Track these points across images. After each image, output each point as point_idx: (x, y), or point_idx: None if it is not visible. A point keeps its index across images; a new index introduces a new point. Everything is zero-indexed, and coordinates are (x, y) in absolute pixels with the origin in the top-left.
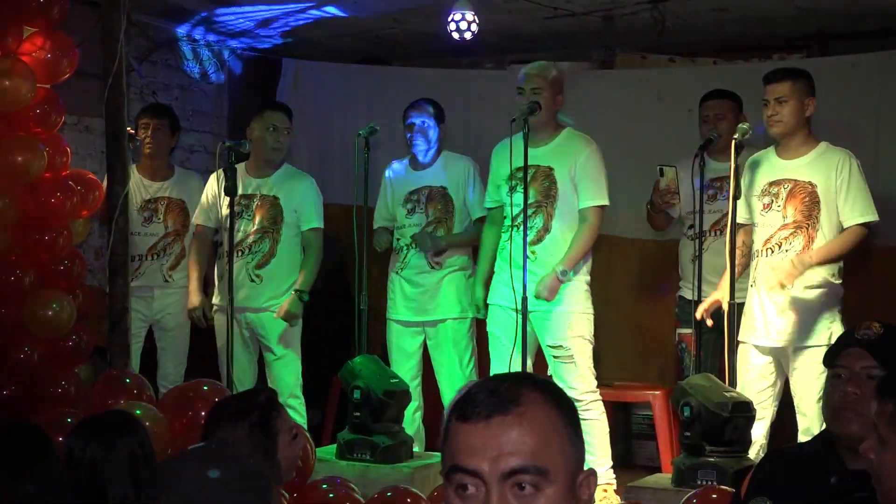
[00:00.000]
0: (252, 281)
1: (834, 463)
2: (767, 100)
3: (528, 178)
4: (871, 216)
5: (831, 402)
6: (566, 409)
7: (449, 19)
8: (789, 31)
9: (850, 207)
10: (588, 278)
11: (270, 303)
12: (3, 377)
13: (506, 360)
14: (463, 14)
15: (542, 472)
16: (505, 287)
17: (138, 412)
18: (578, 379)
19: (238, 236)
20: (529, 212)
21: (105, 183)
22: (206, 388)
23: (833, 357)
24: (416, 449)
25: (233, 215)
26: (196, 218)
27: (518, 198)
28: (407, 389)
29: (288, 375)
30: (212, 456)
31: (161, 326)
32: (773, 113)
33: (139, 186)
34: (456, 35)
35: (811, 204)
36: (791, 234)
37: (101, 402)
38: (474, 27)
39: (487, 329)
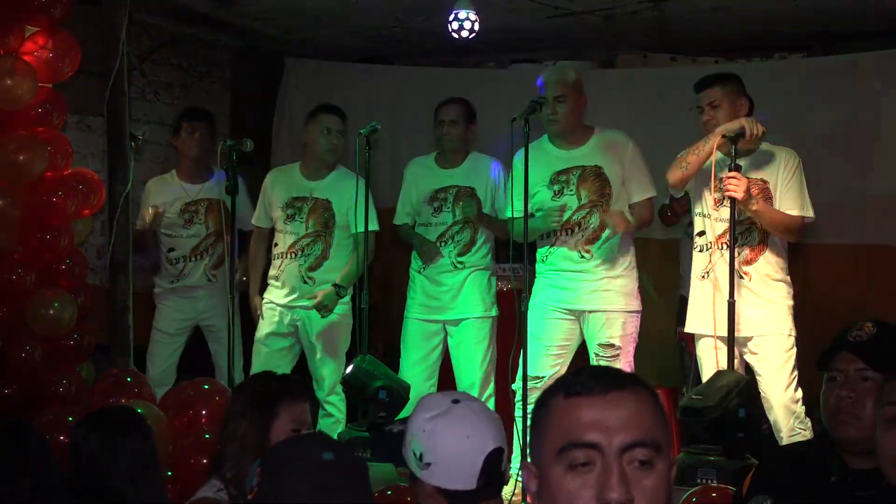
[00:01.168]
0: (305, 283)
1: (834, 462)
2: (702, 106)
3: (576, 179)
4: (808, 213)
5: (827, 406)
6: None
7: (450, 18)
8: (790, 31)
9: (788, 202)
10: (637, 279)
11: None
12: (5, 376)
13: (546, 361)
14: (465, 13)
15: (657, 446)
16: (556, 289)
17: (139, 410)
18: None
19: (291, 239)
20: (584, 212)
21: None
22: (206, 386)
23: (827, 360)
24: None
25: (233, 212)
26: (253, 220)
27: (569, 200)
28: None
29: (329, 374)
30: (324, 441)
31: (209, 327)
32: (708, 118)
33: (179, 191)
34: (457, 34)
35: (766, 199)
36: (747, 229)
37: (103, 401)
38: (476, 26)
39: (530, 330)
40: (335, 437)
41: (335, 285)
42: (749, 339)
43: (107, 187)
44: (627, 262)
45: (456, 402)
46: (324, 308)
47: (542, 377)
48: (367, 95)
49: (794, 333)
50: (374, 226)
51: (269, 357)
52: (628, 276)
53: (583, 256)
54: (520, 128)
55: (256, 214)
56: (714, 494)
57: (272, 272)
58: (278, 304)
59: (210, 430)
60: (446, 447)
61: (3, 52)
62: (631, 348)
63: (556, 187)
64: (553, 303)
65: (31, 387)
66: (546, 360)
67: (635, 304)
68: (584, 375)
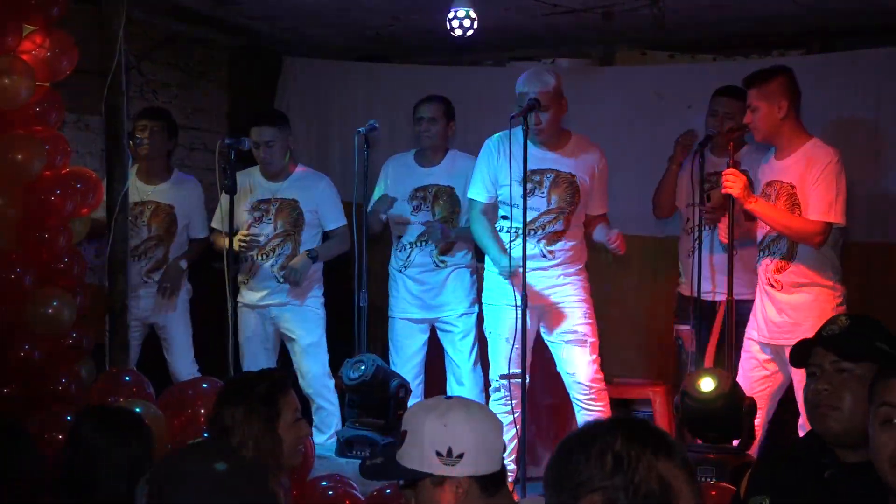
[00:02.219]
0: (278, 282)
1: (827, 457)
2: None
3: (549, 183)
4: (831, 217)
5: (807, 402)
6: None
7: (448, 16)
8: (789, 28)
9: (810, 205)
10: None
11: (293, 297)
12: (4, 376)
13: (514, 359)
14: (463, 11)
15: None
16: (507, 286)
17: (138, 409)
18: (590, 366)
19: (261, 240)
20: (551, 217)
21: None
22: (205, 385)
23: (804, 357)
24: None
25: (231, 213)
26: (213, 222)
27: (538, 202)
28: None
29: (315, 366)
30: (216, 449)
31: (160, 328)
32: (748, 121)
33: (133, 190)
34: (455, 32)
35: (792, 205)
36: (777, 237)
37: (102, 400)
38: (474, 24)
39: (485, 329)
40: (333, 432)
41: (308, 251)
42: (782, 347)
43: (105, 186)
44: (580, 263)
45: (449, 398)
46: (293, 273)
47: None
48: (365, 94)
49: None
50: (339, 221)
51: (255, 360)
52: (581, 274)
53: (545, 256)
54: (518, 125)
55: (217, 218)
56: (713, 492)
57: (241, 277)
58: (252, 306)
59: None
60: (474, 432)
61: (1, 52)
62: (595, 338)
63: (528, 185)
64: (506, 299)
65: (30, 386)
66: (516, 358)
67: (589, 296)
68: None
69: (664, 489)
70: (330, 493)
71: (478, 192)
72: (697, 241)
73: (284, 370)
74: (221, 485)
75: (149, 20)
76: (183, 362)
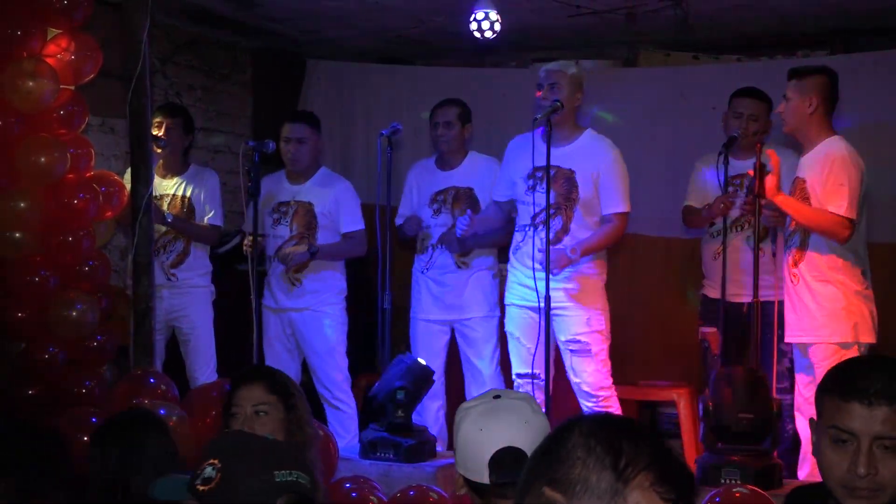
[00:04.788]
0: (294, 284)
1: None
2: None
3: (550, 179)
4: (840, 210)
5: (834, 474)
6: None
7: (471, 18)
8: (813, 29)
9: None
10: (604, 279)
11: (311, 302)
12: (28, 378)
13: (527, 359)
14: (486, 13)
15: None
16: (522, 286)
17: (162, 411)
18: (594, 375)
19: (278, 242)
20: (550, 212)
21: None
22: (228, 387)
23: (834, 415)
24: (438, 448)
25: (255, 215)
26: (245, 225)
27: (539, 197)
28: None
29: (332, 370)
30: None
31: (180, 328)
32: (780, 110)
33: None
34: (478, 34)
35: (803, 199)
36: (793, 230)
37: (125, 402)
38: (497, 26)
39: (506, 329)
40: (353, 435)
41: (311, 245)
42: (803, 345)
43: (129, 189)
44: (592, 263)
45: (497, 397)
46: (285, 256)
47: (536, 373)
48: (388, 96)
49: (852, 340)
50: (355, 226)
51: (277, 360)
52: (592, 276)
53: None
54: (541, 127)
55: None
56: (737, 494)
57: (267, 279)
58: (273, 309)
59: None
60: (462, 437)
61: (26, 55)
62: (603, 346)
63: (531, 182)
64: (519, 301)
65: (54, 389)
66: (529, 358)
67: (599, 303)
68: None
69: None
70: (353, 494)
71: (495, 192)
72: (723, 244)
73: (257, 365)
74: (278, 445)
75: (172, 23)
76: (201, 363)
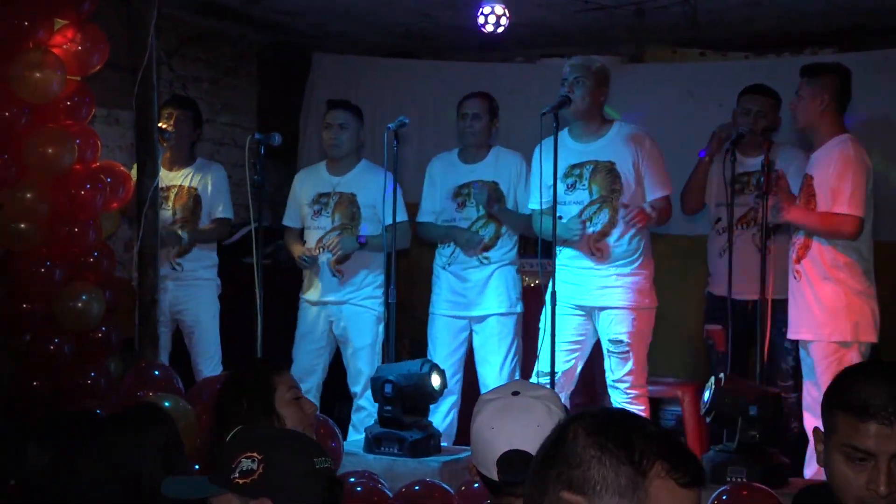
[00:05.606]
0: (334, 276)
1: None
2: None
3: (589, 174)
4: (843, 208)
5: (849, 492)
6: None
7: (479, 13)
8: (821, 26)
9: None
10: (652, 279)
11: (350, 296)
12: (34, 370)
13: (558, 358)
14: (493, 7)
15: None
16: (567, 285)
17: (167, 404)
18: (632, 374)
19: (318, 234)
20: (594, 207)
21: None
22: None
23: (850, 434)
24: (443, 444)
25: (260, 206)
26: (284, 220)
27: (581, 195)
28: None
29: (367, 368)
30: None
31: (184, 321)
32: (791, 106)
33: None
34: (486, 29)
35: (808, 196)
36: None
37: (131, 394)
38: (504, 21)
39: (541, 326)
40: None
41: (360, 237)
42: (804, 343)
43: (135, 180)
44: (640, 259)
45: (516, 393)
46: (336, 247)
47: (556, 372)
48: (395, 90)
49: (852, 339)
50: (404, 216)
51: (306, 357)
52: (639, 273)
53: (593, 253)
54: (549, 122)
55: (287, 215)
56: (743, 492)
57: (308, 272)
58: (312, 303)
59: None
60: (475, 431)
61: (33, 45)
62: (643, 345)
63: (569, 181)
64: (564, 299)
65: (60, 381)
66: (559, 356)
67: (647, 302)
68: None
69: None
70: (358, 489)
71: (533, 201)
72: (728, 241)
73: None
74: (304, 436)
75: (179, 16)
76: (206, 356)
